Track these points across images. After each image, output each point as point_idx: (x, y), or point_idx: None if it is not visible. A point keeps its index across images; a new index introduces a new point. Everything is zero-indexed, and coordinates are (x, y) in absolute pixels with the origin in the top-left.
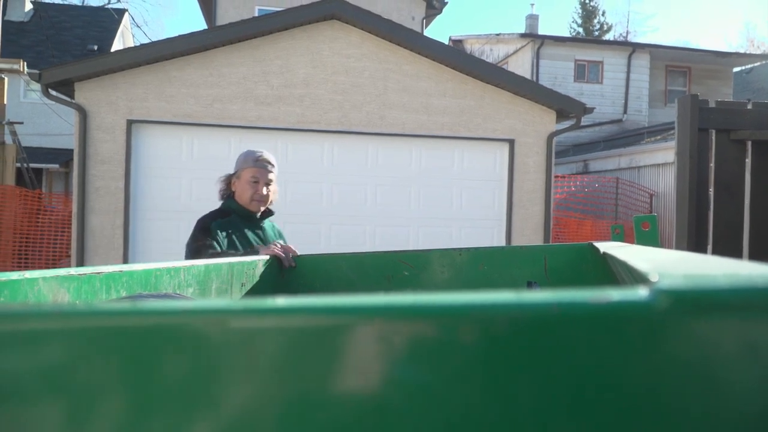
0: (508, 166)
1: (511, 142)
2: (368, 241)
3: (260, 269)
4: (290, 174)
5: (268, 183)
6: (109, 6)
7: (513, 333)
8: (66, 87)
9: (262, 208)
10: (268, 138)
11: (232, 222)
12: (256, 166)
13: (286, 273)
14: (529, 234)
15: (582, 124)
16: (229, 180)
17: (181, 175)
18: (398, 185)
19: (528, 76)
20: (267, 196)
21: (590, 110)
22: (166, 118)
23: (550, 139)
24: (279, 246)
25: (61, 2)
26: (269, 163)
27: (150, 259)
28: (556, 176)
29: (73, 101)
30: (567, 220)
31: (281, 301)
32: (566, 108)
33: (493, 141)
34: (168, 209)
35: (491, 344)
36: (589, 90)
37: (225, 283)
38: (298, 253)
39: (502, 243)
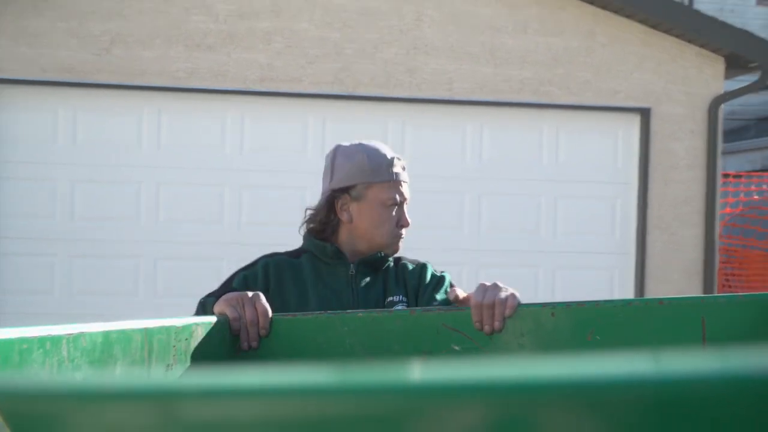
0: (640, 157)
1: (645, 114)
2: None
3: (200, 339)
4: (247, 172)
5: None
6: None
7: (647, 420)
8: None
9: (401, 245)
10: (209, 107)
11: (295, 268)
12: (393, 178)
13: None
14: (678, 278)
15: None
16: (332, 202)
17: (57, 174)
18: (441, 191)
19: None
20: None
21: None
22: (31, 75)
23: (714, 109)
24: (247, 302)
25: None
26: (404, 167)
27: (3, 324)
28: (726, 175)
29: None
30: (745, 252)
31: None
32: (743, 52)
33: (611, 111)
34: (34, 235)
35: None
36: None
37: (137, 361)
38: (270, 316)
39: (629, 293)
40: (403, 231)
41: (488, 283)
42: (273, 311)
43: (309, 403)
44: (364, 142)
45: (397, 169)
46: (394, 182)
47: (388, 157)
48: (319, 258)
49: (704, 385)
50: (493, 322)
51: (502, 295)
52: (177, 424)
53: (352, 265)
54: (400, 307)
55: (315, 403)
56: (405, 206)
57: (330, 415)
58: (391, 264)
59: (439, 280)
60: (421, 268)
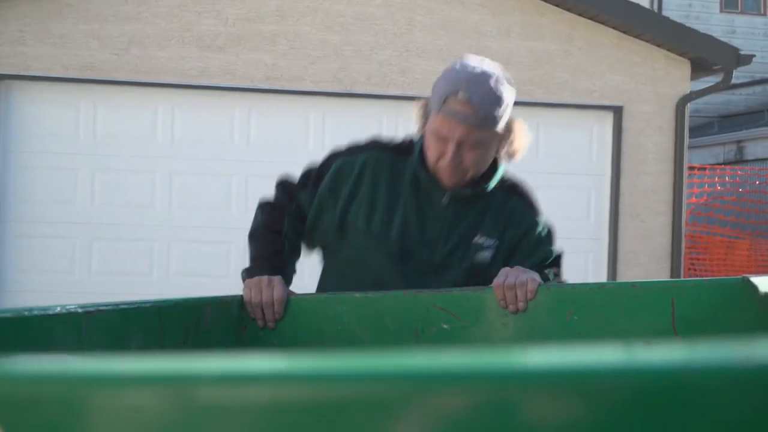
0: (613, 151)
1: (618, 112)
2: None
3: (210, 316)
4: (254, 162)
5: (463, 145)
6: None
7: (623, 408)
8: None
9: (452, 180)
10: (219, 103)
11: (395, 172)
12: (445, 114)
13: (251, 325)
14: (647, 262)
15: (734, 81)
16: (425, 109)
17: (78, 163)
18: None
19: (645, 3)
20: (462, 169)
21: (747, 59)
22: (55, 72)
23: (681, 107)
24: (265, 288)
25: None
26: (475, 112)
27: (28, 301)
28: (692, 167)
29: None
30: (709, 238)
31: (268, 361)
32: (707, 56)
33: (587, 109)
34: (58, 219)
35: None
36: (746, 26)
37: (151, 338)
38: (283, 301)
39: (603, 277)
40: (452, 167)
41: (510, 268)
42: (354, 211)
43: (315, 388)
44: (469, 61)
45: (453, 110)
46: (441, 117)
47: (458, 86)
48: (421, 177)
49: (691, 374)
50: (517, 303)
51: (523, 277)
52: (188, 407)
53: (446, 194)
54: (486, 254)
55: (320, 388)
56: (463, 145)
57: (333, 399)
58: (499, 196)
59: (536, 246)
60: (529, 223)
